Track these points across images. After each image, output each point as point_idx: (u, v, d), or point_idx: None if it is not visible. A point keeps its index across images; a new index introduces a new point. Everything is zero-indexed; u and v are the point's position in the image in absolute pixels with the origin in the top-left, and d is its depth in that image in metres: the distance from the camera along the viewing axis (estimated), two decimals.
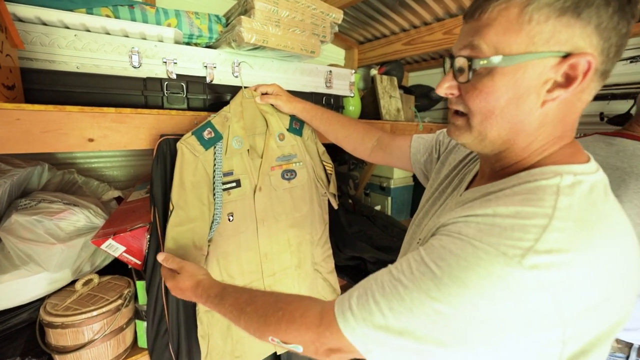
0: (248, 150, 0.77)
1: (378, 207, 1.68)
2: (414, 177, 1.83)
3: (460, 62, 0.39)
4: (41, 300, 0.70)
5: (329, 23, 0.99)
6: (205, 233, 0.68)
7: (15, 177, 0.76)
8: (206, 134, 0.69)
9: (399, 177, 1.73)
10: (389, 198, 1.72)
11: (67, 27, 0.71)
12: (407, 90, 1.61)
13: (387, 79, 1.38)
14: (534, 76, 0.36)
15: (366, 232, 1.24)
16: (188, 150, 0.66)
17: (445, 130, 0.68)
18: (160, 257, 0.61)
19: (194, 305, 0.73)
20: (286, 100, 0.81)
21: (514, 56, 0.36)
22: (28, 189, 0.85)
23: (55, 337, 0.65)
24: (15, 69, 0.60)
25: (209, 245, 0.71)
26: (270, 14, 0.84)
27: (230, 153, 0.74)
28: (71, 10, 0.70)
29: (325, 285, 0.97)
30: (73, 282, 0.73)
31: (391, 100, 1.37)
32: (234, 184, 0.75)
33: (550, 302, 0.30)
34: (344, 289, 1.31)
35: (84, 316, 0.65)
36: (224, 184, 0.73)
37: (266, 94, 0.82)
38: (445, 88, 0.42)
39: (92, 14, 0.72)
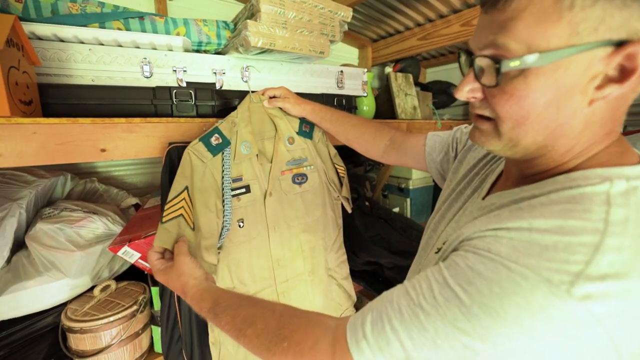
0: (257, 155, 0.76)
1: (396, 209, 1.62)
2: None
3: (483, 62, 0.34)
4: (64, 305, 0.72)
5: (338, 22, 0.96)
6: (211, 242, 0.67)
7: (39, 187, 0.80)
8: (213, 140, 0.69)
9: (418, 178, 1.67)
10: (408, 199, 1.66)
11: (82, 42, 0.73)
12: (424, 87, 1.55)
13: (402, 76, 1.34)
14: (578, 73, 0.30)
15: (383, 236, 1.20)
16: (196, 156, 0.66)
17: (462, 126, 0.64)
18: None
19: None
20: (294, 103, 0.79)
21: (552, 52, 0.30)
22: (53, 197, 0.89)
23: (75, 342, 0.67)
24: (32, 85, 0.63)
25: (219, 253, 0.71)
26: (276, 16, 0.83)
27: (239, 158, 0.73)
28: (85, 26, 0.72)
29: (340, 291, 0.94)
30: (92, 288, 0.75)
31: (407, 98, 1.32)
32: (243, 190, 0.75)
33: (606, 340, 0.26)
34: (361, 294, 1.27)
35: (101, 322, 0.66)
36: (233, 190, 0.73)
37: (274, 97, 0.80)
38: (467, 92, 0.37)
39: (104, 27, 0.75)
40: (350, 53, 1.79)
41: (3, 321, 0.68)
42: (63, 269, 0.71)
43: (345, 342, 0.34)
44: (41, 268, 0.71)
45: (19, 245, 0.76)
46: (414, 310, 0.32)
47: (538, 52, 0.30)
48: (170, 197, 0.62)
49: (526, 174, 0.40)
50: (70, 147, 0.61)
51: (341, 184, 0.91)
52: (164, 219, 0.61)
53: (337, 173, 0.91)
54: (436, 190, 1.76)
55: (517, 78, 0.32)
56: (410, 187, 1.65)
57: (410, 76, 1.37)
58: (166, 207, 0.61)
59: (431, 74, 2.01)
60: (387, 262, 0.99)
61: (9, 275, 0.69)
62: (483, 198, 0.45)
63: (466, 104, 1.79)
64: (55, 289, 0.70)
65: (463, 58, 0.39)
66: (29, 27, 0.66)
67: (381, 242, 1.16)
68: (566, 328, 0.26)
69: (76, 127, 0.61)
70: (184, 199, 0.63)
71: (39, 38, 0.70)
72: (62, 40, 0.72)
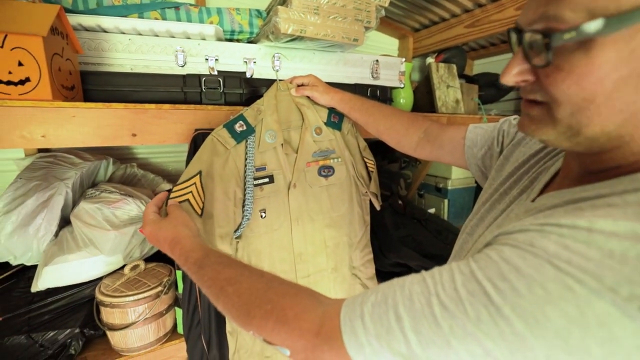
0: (282, 144, 0.74)
1: (432, 210, 1.52)
2: None
3: (533, 39, 0.28)
4: (99, 280, 0.77)
5: (374, 7, 0.90)
6: (226, 231, 0.66)
7: (84, 169, 0.86)
8: (238, 127, 0.68)
9: (458, 178, 1.54)
10: (446, 200, 1.55)
11: (122, 32, 0.77)
12: (469, 79, 1.42)
13: (444, 66, 1.23)
14: None
15: (415, 237, 1.12)
16: (219, 142, 0.66)
17: (511, 117, 0.56)
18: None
19: None
20: (323, 92, 0.76)
21: (625, 14, 0.23)
22: (97, 180, 0.95)
23: (106, 315, 0.71)
24: (75, 72, 0.66)
25: (237, 242, 0.70)
26: (308, 2, 0.79)
27: (263, 147, 0.71)
28: (125, 17, 0.75)
29: (363, 291, 0.89)
30: (124, 267, 0.78)
31: (449, 91, 1.22)
32: (266, 180, 0.73)
33: None
34: None
35: (128, 299, 0.69)
36: (256, 179, 0.71)
37: (302, 85, 0.77)
38: (514, 75, 0.31)
39: (142, 17, 0.77)
40: (390, 44, 1.70)
41: (49, 289, 0.74)
42: (99, 246, 0.75)
43: (338, 321, 0.30)
44: (81, 244, 0.75)
45: (66, 221, 0.83)
46: (428, 299, 0.27)
47: (604, 16, 0.24)
48: (181, 180, 0.62)
49: (591, 170, 0.32)
50: (105, 130, 0.64)
51: (370, 179, 0.86)
52: (168, 201, 0.60)
53: (367, 167, 0.85)
54: (478, 191, 1.61)
55: (577, 52, 0.26)
56: (449, 188, 1.53)
57: (454, 67, 1.26)
58: (175, 188, 0.61)
59: (479, 66, 1.84)
60: (416, 265, 0.92)
61: (55, 248, 0.75)
62: (533, 200, 0.38)
63: (519, 98, 1.61)
64: (92, 264, 0.75)
65: (513, 37, 0.33)
66: (76, 19, 0.70)
67: (412, 243, 1.08)
68: (632, 354, 0.20)
69: (110, 112, 0.63)
70: (194, 183, 0.62)
71: (85, 29, 0.74)
72: (104, 31, 0.75)
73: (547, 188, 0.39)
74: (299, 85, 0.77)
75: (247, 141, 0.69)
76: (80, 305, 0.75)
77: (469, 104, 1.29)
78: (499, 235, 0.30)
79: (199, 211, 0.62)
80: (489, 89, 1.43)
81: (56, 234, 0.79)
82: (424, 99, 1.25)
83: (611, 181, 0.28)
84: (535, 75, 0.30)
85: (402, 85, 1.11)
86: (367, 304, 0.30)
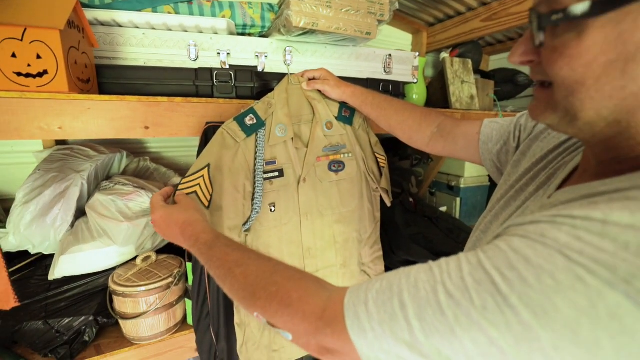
0: (292, 138, 0.74)
1: (444, 209, 1.49)
2: (490, 177, 1.57)
3: (532, 18, 0.29)
4: (112, 270, 0.79)
5: (388, 0, 0.88)
6: (235, 223, 0.66)
7: (99, 162, 0.88)
8: (248, 120, 0.68)
9: (471, 176, 1.51)
10: (458, 199, 1.51)
11: (136, 27, 0.78)
12: (484, 74, 1.38)
13: (458, 61, 1.20)
14: None
15: (426, 236, 1.10)
16: (229, 135, 0.66)
17: (527, 112, 0.53)
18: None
19: None
20: (334, 85, 0.75)
21: None
22: (111, 172, 0.97)
23: (119, 304, 0.72)
24: (91, 65, 0.67)
25: (246, 235, 0.70)
26: None
27: (274, 141, 0.71)
28: (139, 11, 0.76)
29: None
30: (136, 257, 0.80)
31: (463, 86, 1.19)
32: (276, 174, 0.73)
33: None
34: None
35: (140, 289, 0.70)
36: (265, 172, 0.71)
37: (313, 79, 0.76)
38: (520, 55, 0.32)
39: (156, 12, 0.78)
40: (403, 39, 1.67)
41: (65, 277, 0.76)
42: (112, 237, 0.77)
43: (341, 305, 0.30)
44: (95, 234, 0.77)
45: (81, 212, 0.85)
46: (433, 287, 0.27)
47: None
48: (189, 172, 0.62)
49: (602, 159, 0.31)
50: (119, 123, 0.65)
51: (381, 175, 0.84)
52: (176, 193, 0.60)
53: (378, 163, 0.84)
54: (492, 190, 1.57)
55: (569, 34, 0.26)
56: (462, 186, 1.50)
57: (469, 62, 1.22)
58: (183, 180, 0.61)
59: (495, 62, 1.79)
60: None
61: (71, 238, 0.77)
62: (550, 196, 0.36)
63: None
64: (105, 254, 0.77)
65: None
66: (92, 14, 0.71)
67: (423, 241, 1.06)
68: None
69: (124, 105, 0.64)
70: (202, 176, 0.62)
71: (101, 23, 0.76)
72: (119, 25, 0.77)
73: (565, 184, 0.37)
74: (310, 79, 0.77)
75: (257, 135, 0.69)
76: (95, 294, 0.76)
77: (484, 100, 1.26)
78: (510, 227, 0.29)
79: (206, 203, 0.62)
80: (506, 85, 1.39)
81: (72, 224, 0.81)
82: (438, 95, 1.22)
83: (630, 175, 0.26)
84: (539, 56, 0.30)
85: (415, 81, 1.09)
86: (372, 291, 0.30)
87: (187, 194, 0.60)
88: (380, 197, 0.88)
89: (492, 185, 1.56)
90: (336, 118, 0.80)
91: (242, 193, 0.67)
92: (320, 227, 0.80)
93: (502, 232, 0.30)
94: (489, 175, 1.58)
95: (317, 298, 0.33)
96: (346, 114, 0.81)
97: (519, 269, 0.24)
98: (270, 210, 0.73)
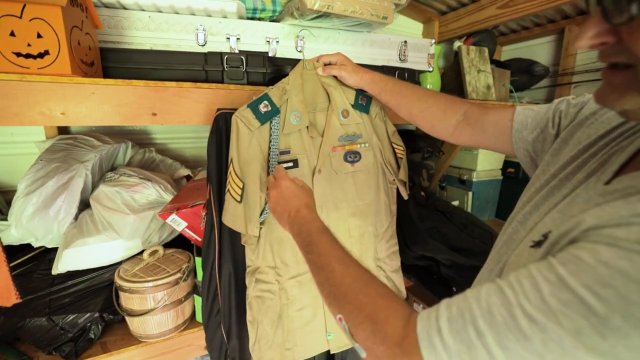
0: (307, 127, 0.70)
1: (456, 203, 1.45)
2: (504, 170, 1.53)
3: None
4: (118, 264, 0.75)
5: None
6: (254, 214, 0.63)
7: (104, 152, 0.84)
8: (262, 107, 0.64)
9: (484, 170, 1.47)
10: (470, 193, 1.48)
11: (142, 9, 0.73)
12: (500, 64, 1.33)
13: (475, 50, 1.15)
14: None
15: (440, 230, 1.06)
16: (243, 123, 0.62)
17: (569, 97, 0.49)
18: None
19: (244, 286, 0.70)
20: (351, 71, 0.70)
21: None
22: (116, 163, 0.94)
23: (125, 300, 0.69)
24: (95, 48, 0.63)
25: (261, 228, 0.66)
26: None
27: (288, 129, 0.67)
28: None
29: (387, 284, 0.84)
30: (143, 252, 0.77)
31: (479, 76, 1.14)
32: (290, 164, 0.69)
33: None
34: (409, 291, 1.16)
35: (147, 285, 0.67)
36: (279, 162, 0.67)
37: (329, 64, 0.72)
38: (591, 38, 0.28)
39: None
40: (414, 28, 1.61)
41: (69, 272, 0.73)
42: (118, 230, 0.73)
43: (415, 334, 0.29)
44: (100, 227, 0.74)
45: (85, 204, 0.81)
46: (511, 312, 0.25)
47: None
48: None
49: None
50: (125, 109, 0.61)
51: (398, 166, 0.80)
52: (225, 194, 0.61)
53: (395, 153, 0.80)
54: (505, 185, 1.53)
55: None
56: (474, 180, 1.46)
57: (485, 50, 1.18)
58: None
59: (508, 52, 1.74)
60: (444, 259, 0.87)
61: (75, 231, 0.74)
62: (607, 182, 0.33)
63: (552, 85, 1.51)
64: (111, 248, 0.74)
65: None
66: None
67: (437, 236, 1.03)
68: None
69: (130, 90, 0.60)
70: (230, 172, 0.61)
71: (105, 5, 0.72)
72: (124, 7, 0.72)
73: (625, 169, 0.34)
74: (326, 64, 0.72)
75: (271, 122, 0.65)
76: (100, 290, 0.73)
77: (500, 90, 1.21)
78: (588, 231, 0.26)
79: (238, 198, 0.60)
80: (522, 75, 1.34)
81: (76, 217, 0.78)
82: (453, 84, 1.18)
83: None
84: (617, 35, 0.27)
85: (431, 69, 1.05)
86: (442, 319, 0.28)
87: (225, 193, 0.60)
88: (397, 188, 0.84)
89: (506, 179, 1.52)
90: (352, 106, 0.75)
91: (258, 184, 0.63)
92: (335, 221, 0.76)
93: (578, 237, 0.27)
94: (501, 169, 1.54)
95: (400, 321, 0.32)
96: (363, 101, 0.77)
97: (615, 285, 0.21)
98: None
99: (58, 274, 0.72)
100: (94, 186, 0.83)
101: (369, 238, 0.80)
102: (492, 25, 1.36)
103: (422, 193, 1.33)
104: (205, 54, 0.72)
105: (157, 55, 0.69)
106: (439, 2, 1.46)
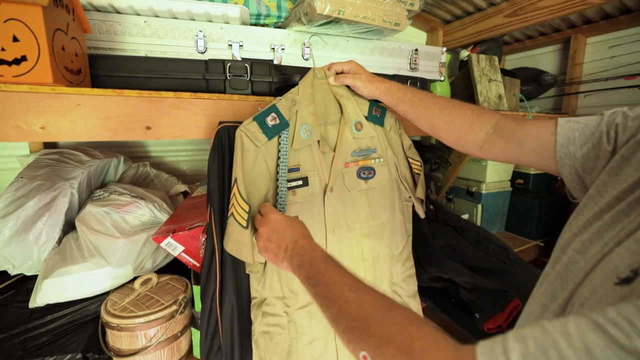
0: (319, 142, 0.63)
1: (465, 216, 1.39)
2: (512, 182, 1.48)
3: None
4: (105, 294, 0.67)
5: None
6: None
7: (92, 168, 0.76)
8: (270, 120, 0.57)
9: (493, 181, 1.41)
10: (479, 206, 1.42)
11: (137, 14, 0.67)
12: (508, 73, 1.29)
13: (485, 58, 1.11)
14: None
15: (455, 247, 1.00)
16: (248, 138, 0.55)
17: (623, 108, 0.43)
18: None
19: (249, 321, 0.61)
20: (366, 80, 0.64)
21: None
22: (106, 180, 0.86)
23: (113, 339, 0.61)
24: (82, 54, 0.56)
25: None
26: None
27: (298, 144, 0.61)
28: None
29: None
30: (134, 279, 0.68)
31: (490, 85, 1.09)
32: (300, 182, 0.62)
33: None
34: (425, 312, 1.08)
35: (138, 320, 0.59)
36: (288, 181, 0.60)
37: (341, 73, 0.66)
38: None
39: None
40: (417, 37, 1.58)
41: (48, 305, 0.64)
42: (106, 256, 0.65)
43: None
44: (86, 253, 0.66)
45: (71, 225, 0.73)
46: (620, 355, 0.19)
47: None
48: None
49: None
50: (115, 122, 0.54)
51: (415, 183, 0.74)
52: (228, 218, 0.54)
53: (411, 169, 0.74)
54: (514, 197, 1.47)
55: None
56: (483, 192, 1.40)
57: (496, 59, 1.13)
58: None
59: (512, 62, 1.71)
60: (464, 282, 0.80)
61: (57, 258, 0.66)
62: None
63: (559, 95, 1.47)
64: (98, 277, 0.65)
65: None
66: None
67: (453, 254, 0.96)
68: None
69: (121, 101, 0.53)
70: (234, 193, 0.53)
71: (96, 9, 0.65)
72: (117, 11, 0.66)
73: None
74: (338, 73, 0.66)
75: (280, 137, 0.58)
76: (84, 325, 0.65)
77: (511, 100, 1.16)
78: None
79: (245, 223, 0.52)
80: (529, 85, 1.30)
81: (59, 241, 0.70)
82: (462, 94, 1.13)
83: None
84: None
85: (442, 79, 1.00)
86: (514, 355, 0.23)
87: (229, 216, 0.53)
88: (412, 207, 0.77)
89: (515, 190, 1.47)
90: (366, 118, 0.69)
91: None
92: (348, 243, 0.69)
93: None
94: (510, 180, 1.48)
95: (445, 354, 0.26)
96: (377, 113, 0.71)
97: None
98: None
99: (36, 307, 0.63)
100: (81, 206, 0.75)
101: (383, 261, 0.73)
102: (498, 34, 1.33)
103: (431, 206, 1.27)
104: (206, 61, 0.65)
105: (153, 62, 0.62)
106: (443, 10, 1.43)
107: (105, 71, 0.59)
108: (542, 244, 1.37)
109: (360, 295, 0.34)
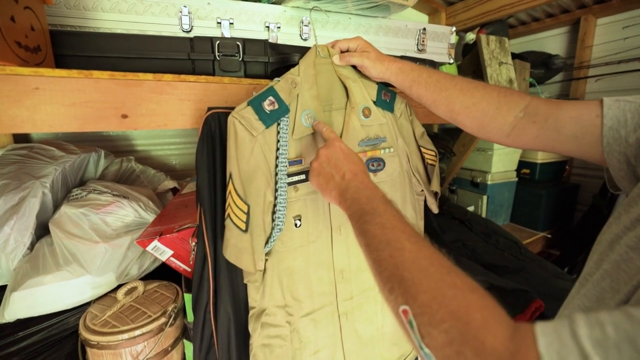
0: None
1: (471, 208, 1.33)
2: (518, 172, 1.42)
3: None
4: (86, 306, 0.59)
5: None
6: (259, 245, 0.48)
7: (67, 164, 0.68)
8: (267, 105, 0.49)
9: (498, 171, 1.35)
10: (484, 197, 1.36)
11: None
12: (516, 56, 1.21)
13: (495, 40, 1.03)
14: None
15: (465, 243, 0.94)
16: (242, 126, 0.47)
17: None
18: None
19: (247, 333, 0.55)
20: (375, 59, 0.56)
21: None
22: (86, 177, 0.77)
23: (94, 357, 0.53)
24: (41, 29, 0.47)
25: (266, 260, 0.52)
26: None
27: (299, 133, 0.53)
28: None
29: None
30: (117, 288, 0.61)
31: (501, 69, 1.02)
32: (302, 177, 0.54)
33: None
34: None
35: (121, 337, 0.51)
36: (289, 175, 0.53)
37: (347, 51, 0.58)
38: None
39: None
40: (417, 20, 1.48)
41: (19, 321, 0.56)
42: (84, 264, 0.57)
43: (535, 350, 0.21)
44: (61, 260, 0.58)
45: (44, 229, 0.65)
46: None
47: None
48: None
49: None
50: (83, 110, 0.45)
51: (427, 174, 0.67)
52: (225, 220, 0.47)
53: (424, 160, 0.66)
54: (520, 187, 1.41)
55: None
56: (488, 182, 1.34)
57: (506, 40, 1.05)
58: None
59: (516, 46, 1.63)
60: (481, 281, 0.73)
61: (28, 267, 0.57)
62: None
63: (567, 80, 1.41)
64: (76, 287, 0.58)
65: None
66: None
67: (464, 251, 0.90)
68: None
69: (90, 84, 0.45)
70: (230, 191, 0.45)
71: None
72: None
73: None
74: (343, 51, 0.58)
75: (279, 125, 0.50)
76: (61, 342, 0.57)
77: (521, 85, 1.09)
78: None
79: (243, 226, 0.46)
80: (539, 69, 1.23)
81: (31, 247, 0.61)
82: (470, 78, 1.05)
83: None
84: None
85: (452, 61, 0.92)
86: (584, 339, 0.20)
87: (226, 219, 0.46)
88: (424, 201, 0.70)
89: (520, 181, 1.41)
90: (374, 103, 0.61)
91: (261, 205, 0.48)
92: (355, 243, 0.61)
93: None
94: (516, 170, 1.42)
95: (505, 328, 0.23)
96: (386, 97, 0.63)
97: None
98: (295, 224, 0.55)
99: (4, 323, 0.55)
100: (56, 206, 0.66)
101: None
102: (506, 15, 1.24)
103: None
104: (191, 39, 0.56)
105: (128, 40, 0.53)
106: None
107: (72, 50, 0.50)
108: (549, 236, 1.32)
109: (419, 248, 0.31)
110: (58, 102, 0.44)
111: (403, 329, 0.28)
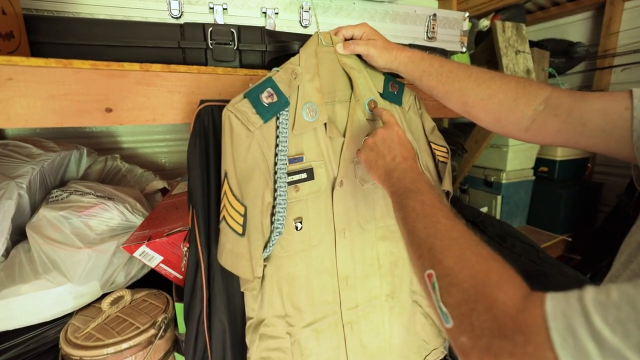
0: (325, 124, 0.55)
1: (484, 209, 1.33)
2: (535, 169, 1.41)
3: None
4: (67, 317, 0.59)
5: None
6: (257, 250, 0.48)
7: (46, 163, 0.67)
8: (265, 98, 0.48)
9: (514, 169, 1.34)
10: (498, 197, 1.35)
11: None
12: (535, 44, 1.21)
13: (511, 26, 1.02)
14: None
15: None
16: (238, 121, 0.46)
17: None
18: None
19: (244, 345, 0.54)
20: (382, 48, 0.55)
21: None
22: (67, 177, 0.77)
23: None
24: (13, 14, 0.46)
25: (265, 266, 0.51)
26: None
27: (300, 128, 0.52)
28: None
29: (426, 323, 0.71)
30: (102, 297, 0.60)
31: (517, 58, 1.01)
32: (304, 175, 0.54)
33: None
34: None
35: (106, 350, 0.51)
36: (289, 174, 0.52)
37: (352, 39, 0.57)
38: None
39: None
40: (427, 5, 1.47)
41: None
42: (66, 271, 0.57)
43: (542, 309, 0.23)
44: (40, 268, 0.57)
45: (21, 234, 0.64)
46: None
47: None
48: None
49: None
50: (62, 103, 0.45)
51: (439, 173, 0.66)
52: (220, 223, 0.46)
53: (434, 157, 0.66)
54: (537, 186, 1.40)
55: None
56: (503, 181, 1.33)
57: (523, 27, 1.05)
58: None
59: (534, 33, 1.62)
60: None
61: (2, 275, 0.57)
62: None
63: (590, 69, 1.40)
64: (56, 297, 0.57)
65: None
66: None
67: None
68: None
69: (70, 74, 0.44)
70: (225, 192, 0.45)
71: None
72: None
73: None
74: (347, 39, 0.57)
75: (278, 119, 0.50)
76: (39, 357, 0.57)
77: (539, 75, 1.08)
78: None
79: (240, 230, 0.45)
80: (559, 58, 1.22)
81: (6, 254, 0.61)
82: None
83: None
84: None
85: (464, 50, 0.91)
86: (589, 302, 0.22)
87: (220, 222, 0.46)
88: None
89: (538, 179, 1.40)
90: (381, 95, 0.61)
91: (259, 207, 0.48)
92: (361, 247, 0.62)
93: None
94: (533, 168, 1.42)
95: (518, 291, 0.27)
96: (394, 89, 0.62)
97: None
98: (296, 227, 0.54)
99: None
100: (34, 209, 0.66)
101: (403, 267, 0.66)
102: (523, 0, 1.24)
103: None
104: (181, 25, 0.55)
105: (111, 26, 0.52)
106: None
107: (49, 37, 0.49)
108: (569, 239, 1.31)
109: (454, 223, 0.35)
110: (34, 94, 0.43)
111: (426, 293, 0.32)
